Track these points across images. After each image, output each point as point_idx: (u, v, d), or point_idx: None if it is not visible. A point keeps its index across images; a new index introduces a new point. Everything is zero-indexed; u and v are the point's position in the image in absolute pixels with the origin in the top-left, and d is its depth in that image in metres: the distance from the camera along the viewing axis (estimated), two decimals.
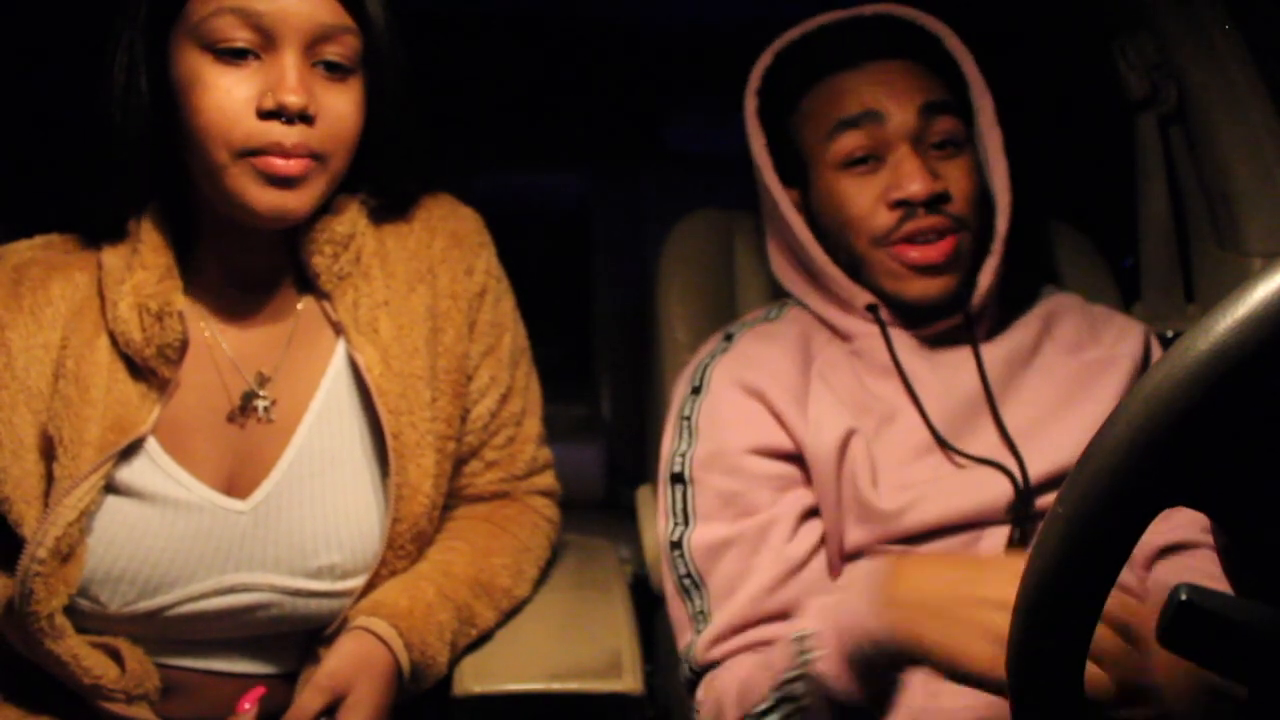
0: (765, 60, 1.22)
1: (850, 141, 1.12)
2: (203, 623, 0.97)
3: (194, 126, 0.91)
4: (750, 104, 1.22)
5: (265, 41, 0.91)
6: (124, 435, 0.93)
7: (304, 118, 0.91)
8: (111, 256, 0.97)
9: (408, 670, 0.98)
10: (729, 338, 1.20)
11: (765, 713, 0.95)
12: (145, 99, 0.94)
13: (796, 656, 0.93)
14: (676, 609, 1.11)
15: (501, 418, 1.13)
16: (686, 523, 1.10)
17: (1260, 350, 0.45)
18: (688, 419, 1.14)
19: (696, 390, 1.15)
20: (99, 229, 0.99)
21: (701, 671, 1.06)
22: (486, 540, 1.11)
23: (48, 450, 0.93)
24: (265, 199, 0.91)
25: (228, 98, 0.90)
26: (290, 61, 0.90)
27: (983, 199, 1.15)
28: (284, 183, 0.91)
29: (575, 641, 1.09)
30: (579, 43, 2.51)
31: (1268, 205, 1.29)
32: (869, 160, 1.12)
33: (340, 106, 0.94)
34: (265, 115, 0.90)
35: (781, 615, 1.04)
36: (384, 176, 1.04)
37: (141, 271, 0.96)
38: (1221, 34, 1.31)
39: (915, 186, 1.08)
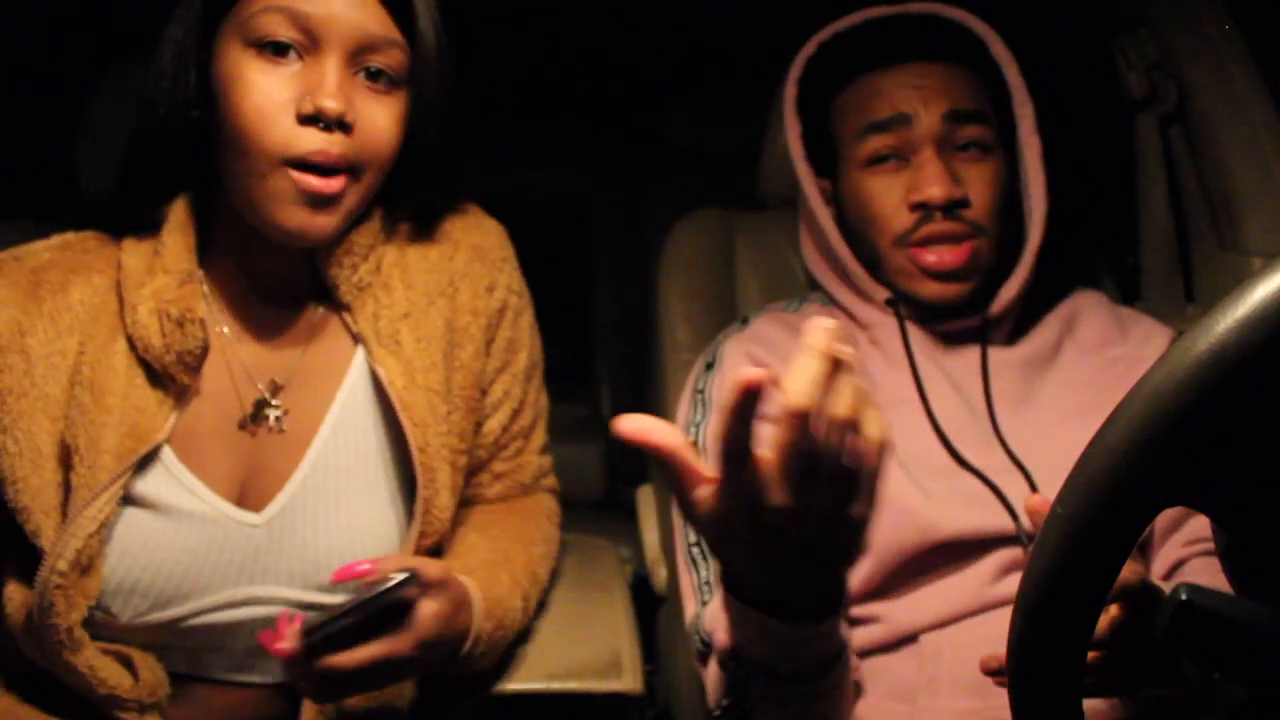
0: (808, 50, 1.22)
1: (878, 143, 1.13)
2: (214, 634, 0.96)
3: (232, 126, 0.89)
4: (790, 93, 1.22)
5: (310, 43, 0.90)
6: (141, 443, 0.92)
7: (342, 125, 0.89)
8: (132, 258, 0.96)
9: (476, 633, 0.94)
10: (745, 320, 1.23)
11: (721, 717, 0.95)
12: (192, 93, 0.93)
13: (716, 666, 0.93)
14: (684, 578, 1.11)
15: (512, 431, 1.13)
16: None
17: (1260, 350, 0.45)
18: (701, 392, 1.16)
19: (711, 365, 1.17)
20: (124, 224, 0.98)
21: (711, 643, 1.05)
22: (521, 529, 1.11)
23: (65, 459, 0.92)
24: (295, 219, 0.90)
25: (267, 100, 0.89)
26: (332, 66, 0.89)
27: (1009, 207, 1.15)
28: (317, 202, 0.90)
29: (575, 641, 1.09)
30: (579, 43, 2.51)
31: (1268, 205, 1.29)
32: (893, 159, 1.13)
33: (379, 118, 0.92)
34: (304, 120, 0.89)
35: None
36: (412, 192, 1.03)
37: (163, 276, 0.94)
38: (1221, 34, 1.31)
39: (934, 190, 1.09)
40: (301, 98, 0.89)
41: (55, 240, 1.00)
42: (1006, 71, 1.16)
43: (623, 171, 2.32)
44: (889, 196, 1.13)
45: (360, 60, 0.92)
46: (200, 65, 0.93)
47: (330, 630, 0.84)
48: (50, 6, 1.70)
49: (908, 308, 1.16)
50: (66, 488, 0.91)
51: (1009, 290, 1.14)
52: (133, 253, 0.96)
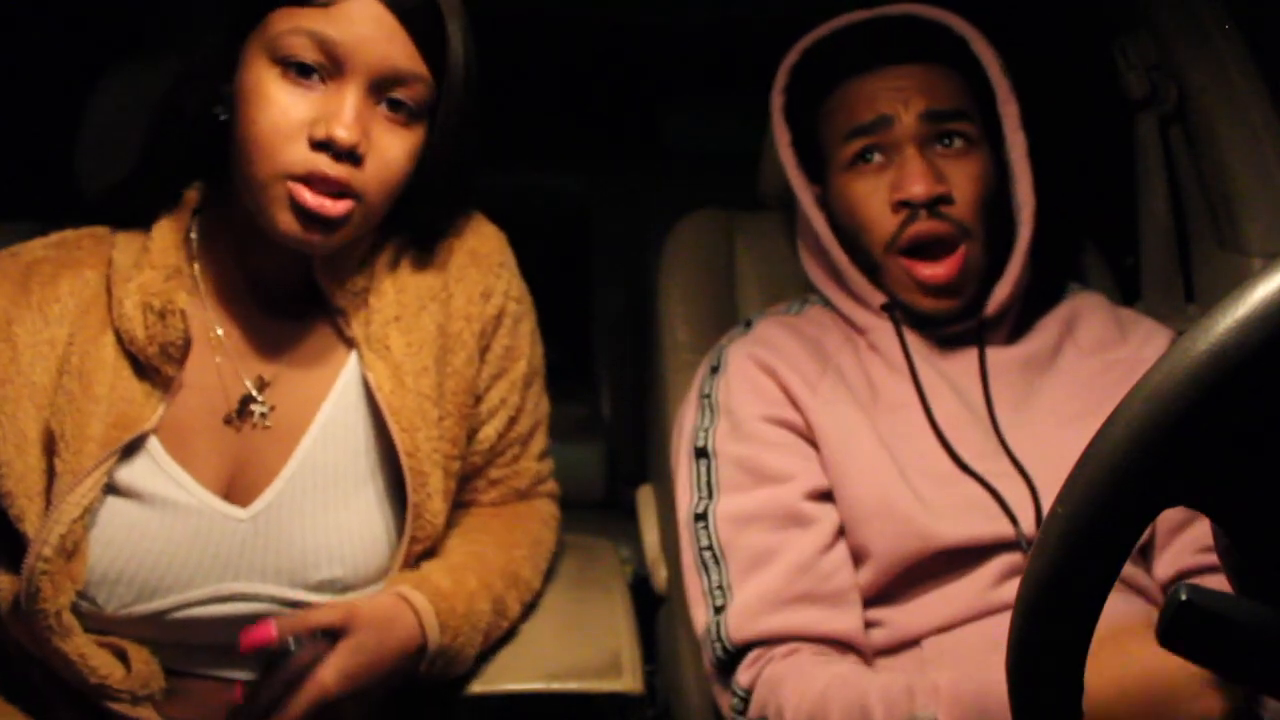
0: (792, 58, 1.22)
1: (861, 144, 1.13)
2: (201, 629, 0.97)
3: (246, 137, 0.90)
4: (777, 101, 1.23)
5: (333, 68, 0.89)
6: (127, 431, 0.93)
7: (352, 156, 0.89)
8: (121, 254, 0.97)
9: (434, 648, 0.97)
10: (748, 324, 1.23)
11: None
12: (222, 97, 0.93)
13: None
14: (692, 583, 1.11)
15: (508, 438, 1.13)
16: (711, 495, 1.11)
17: (1260, 350, 0.45)
18: (708, 396, 1.16)
19: (715, 369, 1.18)
20: (122, 220, 0.99)
21: (735, 651, 1.05)
22: (505, 532, 1.12)
23: (50, 446, 0.93)
24: (292, 228, 0.90)
25: (284, 117, 0.89)
26: (351, 96, 0.89)
27: (997, 205, 1.15)
28: (316, 221, 0.90)
29: (575, 641, 1.09)
30: (578, 43, 2.51)
31: (1268, 205, 1.29)
32: (877, 156, 1.13)
33: (393, 150, 0.92)
34: (315, 146, 0.89)
35: (815, 596, 1.04)
36: (416, 215, 1.03)
37: (149, 271, 0.96)
38: (1221, 34, 1.31)
39: (917, 188, 1.09)
40: (317, 122, 0.89)
41: (53, 238, 1.01)
42: (988, 69, 1.15)
43: (622, 172, 2.31)
44: (874, 199, 1.12)
45: (383, 91, 0.91)
46: (229, 70, 0.93)
47: (255, 712, 0.91)
48: (50, 6, 1.70)
49: (903, 312, 1.16)
50: (51, 474, 0.92)
51: (1002, 290, 1.14)
52: (123, 249, 0.98)
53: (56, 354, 0.94)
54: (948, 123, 1.12)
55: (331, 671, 0.92)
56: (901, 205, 1.10)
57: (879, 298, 1.17)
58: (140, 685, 0.95)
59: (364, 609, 0.95)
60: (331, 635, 0.94)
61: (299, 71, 0.89)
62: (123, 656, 0.95)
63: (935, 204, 1.10)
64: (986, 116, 1.16)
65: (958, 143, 1.12)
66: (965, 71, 1.16)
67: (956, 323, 1.15)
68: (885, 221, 1.12)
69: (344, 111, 0.89)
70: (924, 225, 1.10)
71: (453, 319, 1.06)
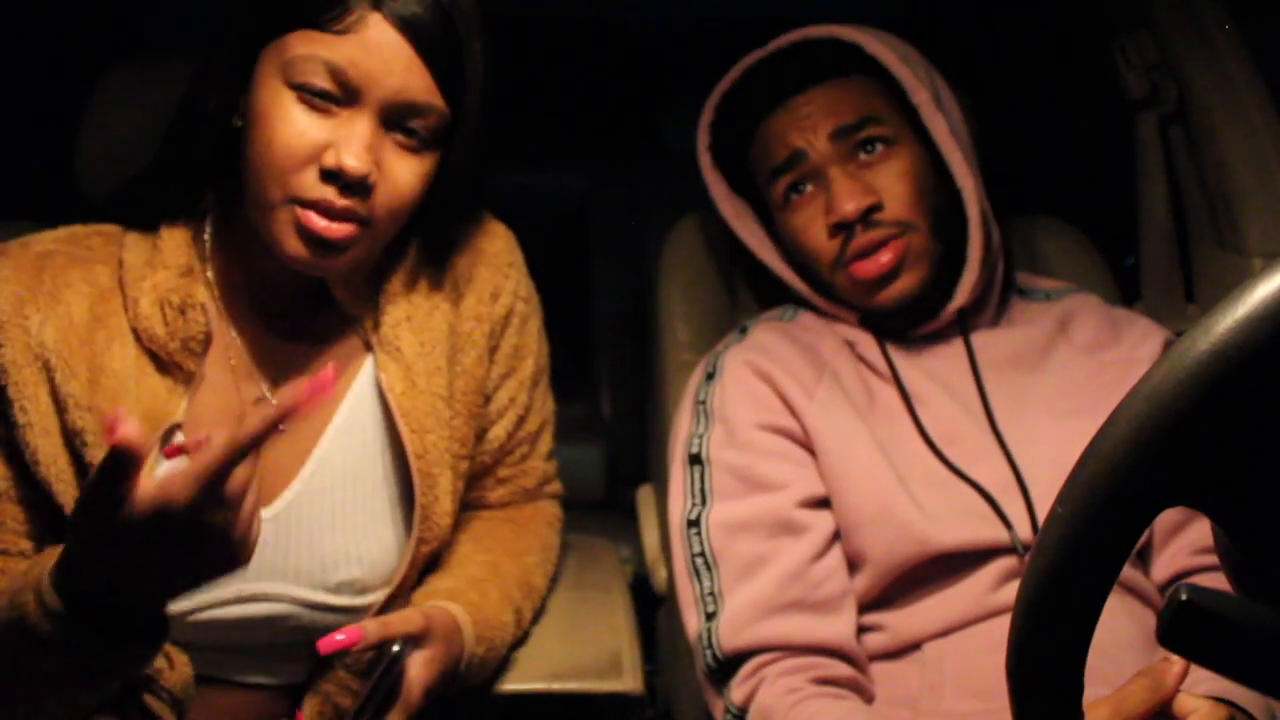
0: (707, 117, 1.25)
1: (786, 181, 1.16)
2: (221, 631, 0.96)
3: (258, 157, 0.89)
4: (704, 160, 1.25)
5: (347, 96, 0.89)
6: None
7: (362, 186, 0.89)
8: (131, 254, 0.97)
9: (467, 660, 0.98)
10: (743, 330, 1.23)
11: None
12: (239, 106, 0.93)
13: None
14: (683, 589, 1.11)
15: (517, 437, 1.14)
16: (704, 502, 1.11)
17: (1260, 350, 0.45)
18: (703, 403, 1.16)
19: (711, 376, 1.18)
20: (132, 219, 0.99)
21: (726, 660, 1.05)
22: (515, 539, 1.12)
23: (68, 432, 0.92)
24: (299, 251, 0.90)
25: (297, 140, 0.88)
26: (364, 125, 0.88)
27: (941, 191, 1.15)
28: (323, 245, 0.90)
29: (575, 641, 1.09)
30: (579, 43, 2.51)
31: (1268, 205, 1.29)
32: (806, 187, 1.15)
33: (403, 177, 0.92)
34: (325, 175, 0.88)
35: (805, 604, 1.04)
36: (427, 225, 1.03)
37: (163, 270, 0.96)
38: (1221, 34, 1.32)
39: (846, 207, 1.11)
40: (328, 148, 0.88)
41: (61, 232, 1.00)
42: (888, 67, 1.15)
43: (622, 171, 2.32)
44: (814, 227, 1.14)
45: (397, 120, 0.91)
46: (248, 81, 0.92)
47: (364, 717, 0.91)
48: (50, 6, 1.70)
49: (877, 319, 1.17)
50: (77, 461, 0.92)
51: (969, 276, 1.14)
52: (132, 249, 0.97)
53: (77, 335, 0.93)
54: (858, 133, 1.13)
55: (419, 686, 0.93)
56: (837, 228, 1.12)
57: (850, 314, 1.18)
58: (181, 686, 0.95)
59: (436, 618, 0.96)
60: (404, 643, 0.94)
61: (312, 95, 0.89)
62: (166, 655, 0.95)
63: (867, 216, 1.11)
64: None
65: (877, 147, 1.13)
66: (879, 71, 1.16)
67: (932, 319, 1.16)
68: (828, 246, 1.14)
69: (354, 141, 0.88)
70: (861, 239, 1.11)
71: (463, 319, 1.06)
